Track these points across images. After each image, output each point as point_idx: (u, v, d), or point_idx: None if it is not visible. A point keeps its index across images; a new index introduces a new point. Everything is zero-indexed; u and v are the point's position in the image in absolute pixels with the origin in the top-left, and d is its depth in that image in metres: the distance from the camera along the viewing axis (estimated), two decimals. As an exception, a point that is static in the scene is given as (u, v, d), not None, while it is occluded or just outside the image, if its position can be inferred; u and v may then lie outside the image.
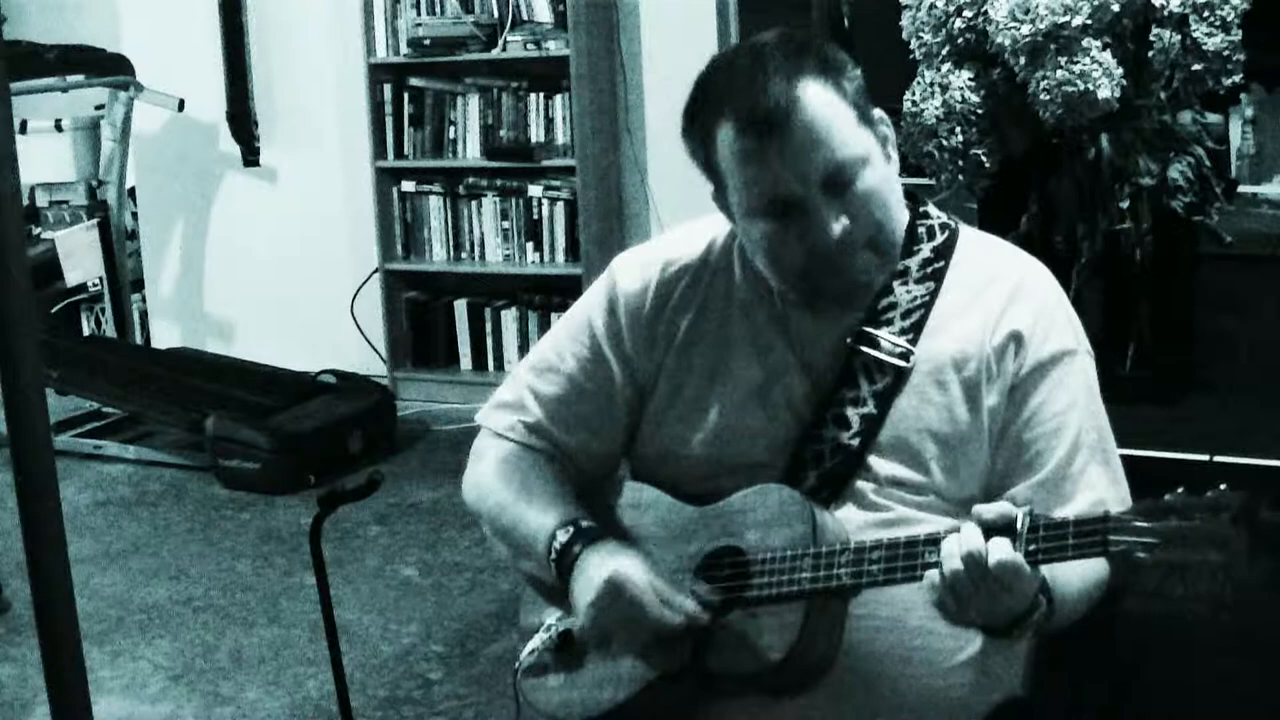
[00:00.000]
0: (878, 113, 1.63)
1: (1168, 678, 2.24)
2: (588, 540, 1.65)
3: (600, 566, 1.62)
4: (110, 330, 6.00)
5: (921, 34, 2.41)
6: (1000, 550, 1.40)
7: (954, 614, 1.45)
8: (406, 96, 5.49)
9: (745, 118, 1.55)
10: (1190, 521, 1.34)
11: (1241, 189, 2.65)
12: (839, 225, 1.57)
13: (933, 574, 1.45)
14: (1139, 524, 1.36)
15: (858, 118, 1.58)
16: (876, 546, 1.52)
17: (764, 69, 1.55)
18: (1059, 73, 2.23)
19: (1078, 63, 2.22)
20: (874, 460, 1.63)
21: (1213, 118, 2.43)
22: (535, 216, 5.40)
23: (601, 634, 1.64)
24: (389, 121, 5.52)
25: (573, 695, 1.70)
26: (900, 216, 1.67)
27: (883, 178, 1.60)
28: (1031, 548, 1.41)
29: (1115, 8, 2.26)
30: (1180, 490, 1.36)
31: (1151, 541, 1.35)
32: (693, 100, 1.62)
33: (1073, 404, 1.63)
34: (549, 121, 5.32)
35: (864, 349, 1.64)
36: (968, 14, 2.35)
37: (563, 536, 1.66)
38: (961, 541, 1.42)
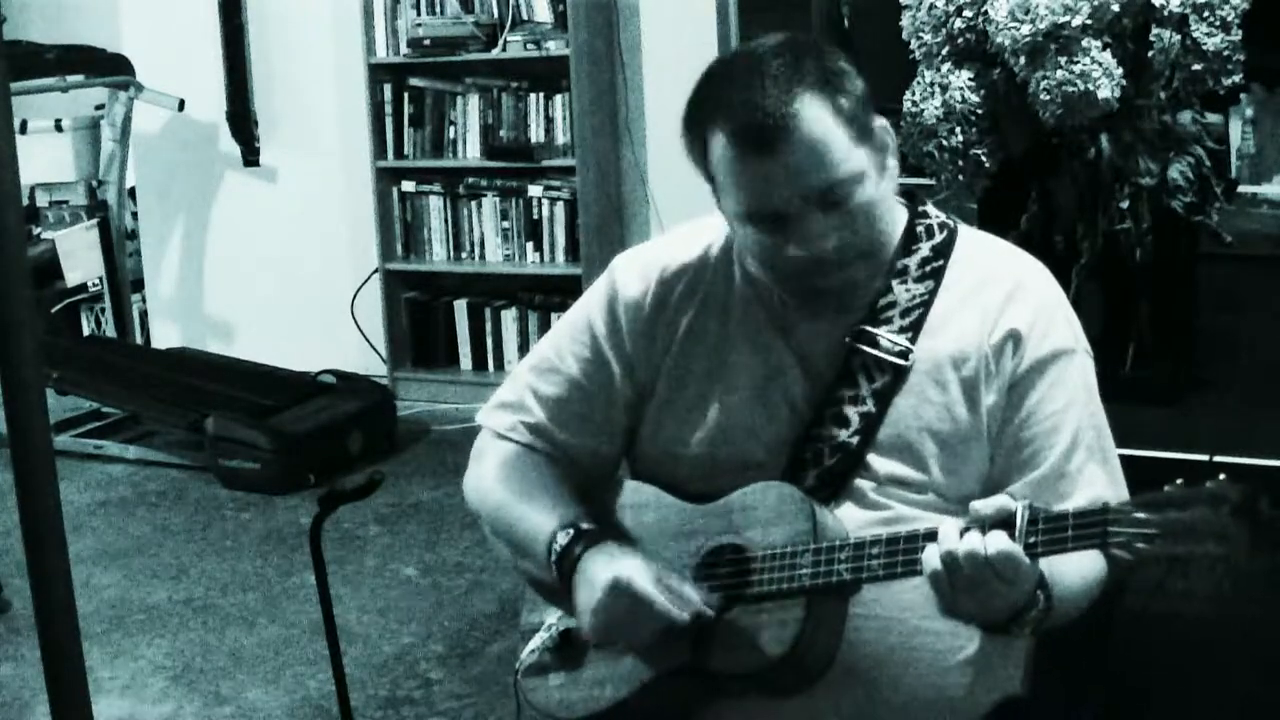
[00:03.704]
0: (879, 122, 1.61)
1: (1167, 677, 2.24)
2: (588, 543, 1.65)
3: (603, 570, 1.62)
4: (110, 330, 6.00)
5: (921, 34, 2.41)
6: (998, 541, 1.40)
7: (948, 600, 1.45)
8: (406, 96, 5.48)
9: (740, 130, 1.54)
10: (1189, 513, 1.34)
11: (1241, 189, 2.66)
12: (832, 240, 1.57)
13: (931, 559, 1.44)
14: (1138, 516, 1.36)
15: (854, 134, 1.56)
16: (876, 542, 1.52)
17: (761, 80, 1.54)
18: (1059, 73, 2.23)
19: (1078, 63, 2.22)
20: (873, 459, 1.63)
21: (1213, 118, 2.43)
22: (535, 216, 5.40)
23: (606, 636, 1.64)
24: (389, 121, 5.52)
25: (573, 694, 1.71)
26: (894, 224, 1.67)
27: (876, 193, 1.59)
28: (1031, 540, 1.41)
29: (1115, 8, 2.26)
30: (1179, 482, 1.36)
31: (1151, 533, 1.35)
32: (691, 104, 1.61)
33: (1070, 403, 1.63)
34: (549, 121, 5.32)
35: (863, 347, 1.64)
36: (968, 14, 2.35)
37: (563, 539, 1.66)
38: (955, 526, 1.43)
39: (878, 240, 1.63)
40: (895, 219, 1.68)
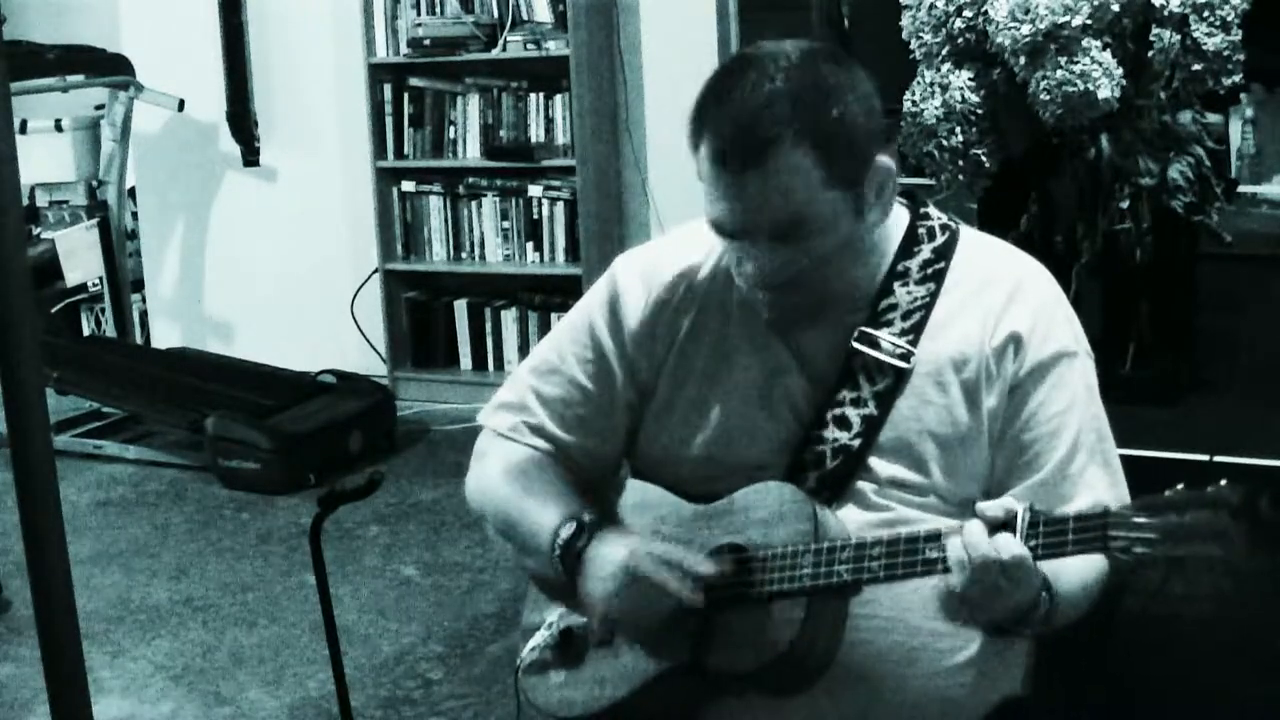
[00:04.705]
0: (881, 161, 1.57)
1: (1167, 678, 2.24)
2: (592, 533, 1.66)
3: (611, 553, 1.62)
4: (110, 330, 6.00)
5: (921, 34, 2.41)
6: (1005, 544, 1.41)
7: (964, 614, 1.45)
8: (406, 96, 5.48)
9: (719, 145, 1.54)
10: (1189, 516, 1.34)
11: (1241, 189, 2.66)
12: (782, 272, 1.58)
13: (950, 577, 1.44)
14: (1138, 519, 1.37)
15: (831, 176, 1.53)
16: (877, 543, 1.52)
17: (758, 99, 1.52)
18: (1059, 73, 2.23)
19: (1078, 63, 2.22)
20: (874, 461, 1.63)
21: (1213, 118, 2.43)
22: (535, 216, 5.40)
23: (622, 618, 1.63)
24: (389, 121, 5.52)
25: (573, 693, 1.71)
26: (861, 270, 1.65)
27: (841, 240, 1.58)
28: (1032, 543, 1.41)
29: (1115, 8, 2.26)
30: (1180, 486, 1.37)
31: (1151, 537, 1.36)
32: (698, 100, 1.61)
33: (1072, 405, 1.63)
34: (549, 121, 5.32)
35: (864, 349, 1.64)
36: (968, 14, 2.35)
37: (566, 532, 1.67)
38: (967, 541, 1.43)
39: (831, 285, 1.62)
40: (863, 268, 1.66)
